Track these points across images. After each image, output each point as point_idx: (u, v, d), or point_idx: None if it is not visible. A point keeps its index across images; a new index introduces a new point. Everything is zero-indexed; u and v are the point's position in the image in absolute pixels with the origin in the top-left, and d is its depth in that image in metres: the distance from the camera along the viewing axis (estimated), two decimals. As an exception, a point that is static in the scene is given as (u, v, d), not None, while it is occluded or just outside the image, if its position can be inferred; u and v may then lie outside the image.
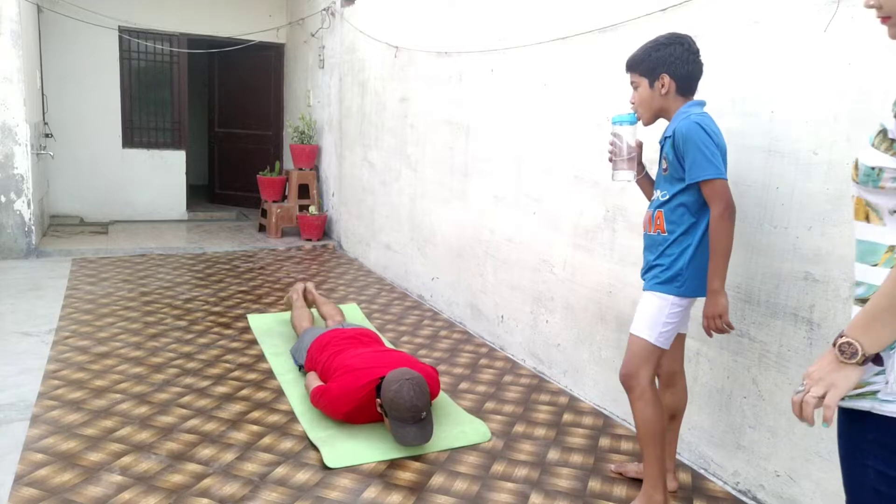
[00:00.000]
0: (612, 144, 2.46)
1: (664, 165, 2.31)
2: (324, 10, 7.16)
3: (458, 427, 3.03)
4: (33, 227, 6.03)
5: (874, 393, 1.27)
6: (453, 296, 4.76)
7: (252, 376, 3.56)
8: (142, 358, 3.72)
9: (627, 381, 2.34)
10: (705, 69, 2.36)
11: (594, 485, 2.63)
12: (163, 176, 8.33)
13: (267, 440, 2.86)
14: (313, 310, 4.38)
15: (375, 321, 4.62)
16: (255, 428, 2.97)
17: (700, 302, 2.34)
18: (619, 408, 3.22)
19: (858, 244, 1.34)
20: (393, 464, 2.72)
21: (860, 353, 1.23)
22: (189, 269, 5.86)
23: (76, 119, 7.71)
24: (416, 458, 2.78)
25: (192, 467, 2.61)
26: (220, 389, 3.36)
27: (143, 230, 7.59)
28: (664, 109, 2.34)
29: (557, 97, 3.59)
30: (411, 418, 2.72)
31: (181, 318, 4.45)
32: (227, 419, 3.04)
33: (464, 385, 3.58)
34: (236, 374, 3.58)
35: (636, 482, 2.64)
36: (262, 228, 7.86)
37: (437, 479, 2.62)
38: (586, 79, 3.36)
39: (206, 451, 2.73)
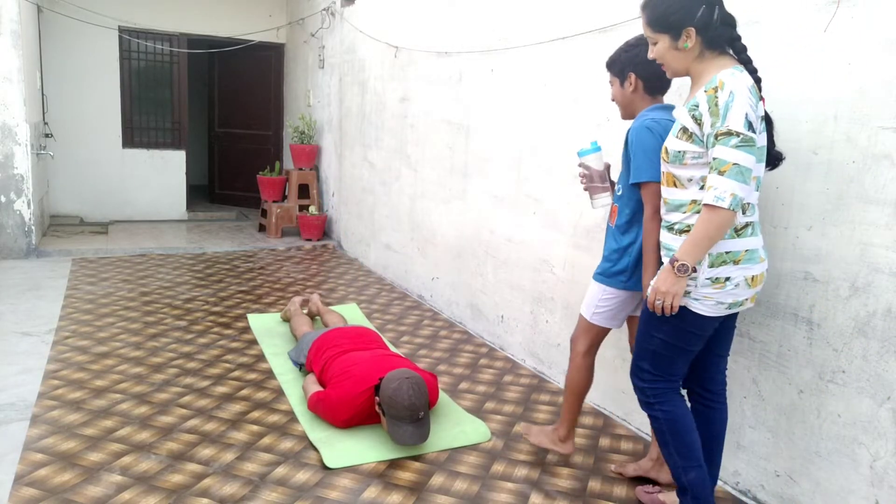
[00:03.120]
0: (582, 176, 2.63)
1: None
2: (324, 10, 7.16)
3: (458, 427, 3.03)
4: (33, 227, 6.03)
5: (688, 293, 2.03)
6: (453, 296, 4.76)
7: (252, 376, 3.56)
8: (142, 358, 3.72)
9: (570, 344, 2.73)
10: None
11: (594, 485, 2.63)
12: (163, 176, 8.32)
13: (267, 440, 2.86)
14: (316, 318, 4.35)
15: (375, 321, 4.62)
16: (255, 428, 2.97)
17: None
18: (620, 408, 3.22)
19: (671, 201, 2.09)
20: (393, 464, 2.72)
21: (689, 269, 1.96)
22: (189, 269, 5.86)
23: (76, 119, 7.71)
24: (416, 458, 2.78)
25: (192, 467, 2.61)
26: (220, 389, 3.36)
27: (143, 230, 7.59)
28: (633, 107, 2.51)
29: (557, 97, 3.59)
30: (409, 417, 2.72)
31: (181, 318, 4.45)
32: (227, 419, 3.04)
33: (464, 385, 3.58)
34: (236, 374, 3.58)
35: (636, 482, 2.65)
36: (262, 228, 7.86)
37: (437, 479, 2.62)
38: (586, 79, 3.36)
39: (206, 451, 2.73)
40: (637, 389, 2.26)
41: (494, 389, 3.54)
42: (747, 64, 2.04)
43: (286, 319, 4.36)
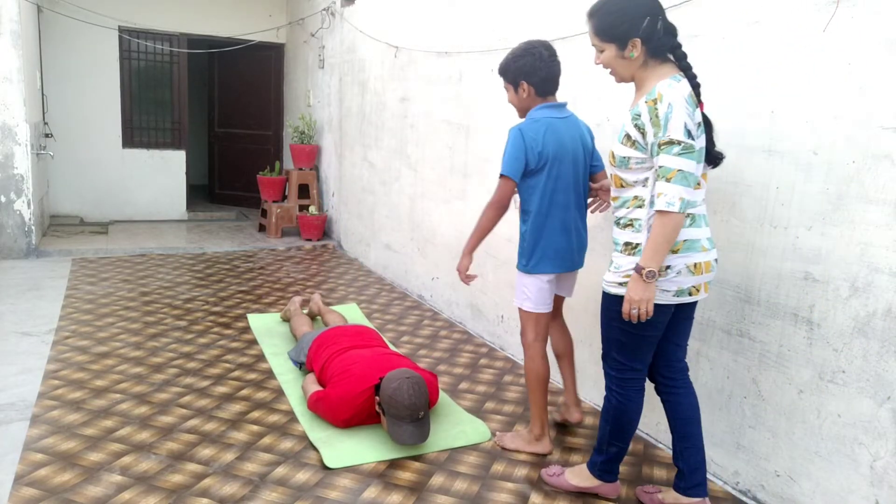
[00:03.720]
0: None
1: None
2: (324, 10, 7.16)
3: (458, 427, 3.04)
4: (33, 227, 6.03)
5: None
6: (453, 296, 4.76)
7: (252, 376, 3.56)
8: (142, 358, 3.72)
9: (521, 340, 2.92)
10: (706, 69, 2.42)
11: (594, 485, 2.63)
12: (163, 176, 8.32)
13: (267, 440, 2.86)
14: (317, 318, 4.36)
15: (375, 321, 4.62)
16: (255, 428, 2.97)
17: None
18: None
19: (620, 198, 2.24)
20: (393, 464, 2.72)
21: (656, 274, 2.08)
22: (189, 269, 5.86)
23: (76, 119, 7.71)
24: (416, 458, 2.78)
25: (192, 467, 2.61)
26: (220, 389, 3.36)
27: (143, 230, 7.59)
28: (527, 109, 2.79)
29: (557, 97, 3.58)
30: (409, 417, 2.72)
31: (181, 318, 4.45)
32: (227, 419, 3.04)
33: (464, 385, 3.58)
34: (236, 374, 3.58)
35: (636, 482, 2.65)
36: (262, 228, 7.86)
37: (437, 479, 2.62)
38: (586, 79, 3.36)
39: (206, 451, 2.73)
40: (606, 375, 2.40)
41: (494, 389, 3.54)
42: (687, 71, 2.17)
43: (286, 319, 4.36)
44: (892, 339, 2.08)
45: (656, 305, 2.18)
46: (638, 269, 2.09)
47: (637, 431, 3.09)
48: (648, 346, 2.31)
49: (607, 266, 2.32)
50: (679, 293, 2.19)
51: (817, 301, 2.29)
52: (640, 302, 2.10)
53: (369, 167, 6.22)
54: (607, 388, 2.40)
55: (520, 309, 2.84)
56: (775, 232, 2.43)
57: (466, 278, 2.91)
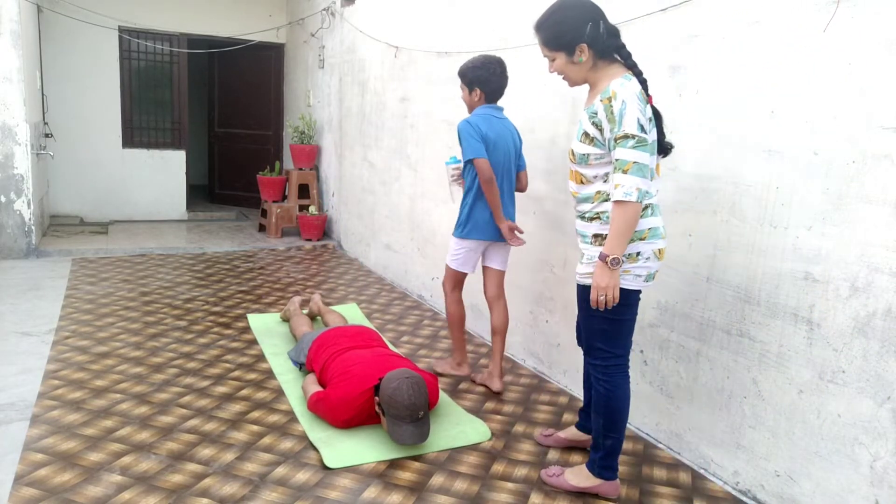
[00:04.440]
0: (452, 176, 3.47)
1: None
2: (324, 10, 7.16)
3: (458, 427, 3.04)
4: (33, 227, 6.03)
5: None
6: (453, 296, 4.75)
7: (252, 376, 3.56)
8: (142, 358, 3.72)
9: (442, 289, 3.63)
10: (705, 69, 2.46)
11: (594, 485, 2.63)
12: (163, 176, 8.32)
13: (267, 440, 2.86)
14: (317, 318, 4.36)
15: (375, 321, 4.62)
16: (255, 428, 2.97)
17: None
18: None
19: (581, 195, 2.37)
20: (393, 464, 2.72)
21: (619, 261, 2.21)
22: (189, 269, 5.86)
23: (76, 119, 7.71)
24: (416, 458, 2.78)
25: (192, 467, 2.61)
26: (220, 389, 3.36)
27: (143, 230, 7.60)
28: (474, 107, 3.41)
29: (557, 97, 3.58)
30: (409, 417, 2.72)
31: (181, 318, 4.45)
32: (227, 419, 3.04)
33: (464, 385, 3.57)
34: (236, 374, 3.58)
35: (636, 482, 2.65)
36: (262, 228, 7.86)
37: (437, 479, 2.62)
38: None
39: (206, 451, 2.73)
40: (592, 367, 2.47)
41: (494, 389, 3.54)
42: (633, 68, 2.32)
43: (285, 319, 4.36)
44: (892, 339, 2.08)
45: (631, 291, 2.33)
46: (602, 257, 2.21)
47: (637, 431, 3.09)
48: (628, 331, 2.45)
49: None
50: (648, 278, 2.35)
51: (817, 301, 2.29)
52: (606, 288, 2.22)
53: (369, 167, 6.22)
54: (595, 380, 2.47)
55: (447, 265, 3.51)
56: (775, 232, 2.43)
57: (517, 238, 3.35)
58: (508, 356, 4.05)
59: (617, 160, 2.18)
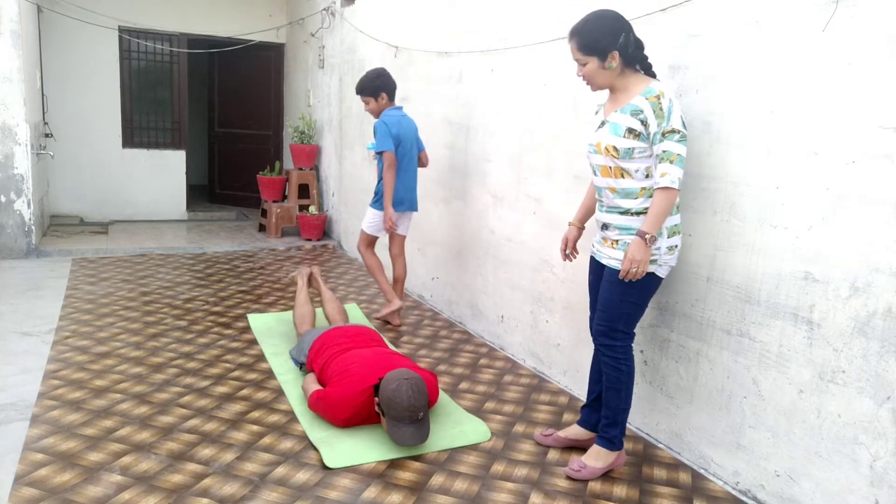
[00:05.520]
0: (375, 159, 4.50)
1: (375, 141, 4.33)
2: (324, 10, 7.16)
3: (458, 427, 3.03)
4: (33, 227, 6.03)
5: (654, 261, 2.52)
6: (453, 296, 4.76)
7: (252, 376, 3.56)
8: (142, 358, 3.72)
9: (358, 250, 4.60)
10: (706, 69, 2.50)
11: (594, 485, 2.63)
12: (163, 176, 8.32)
13: (267, 440, 2.86)
14: (318, 309, 4.37)
15: (375, 321, 4.62)
16: (255, 428, 2.97)
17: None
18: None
19: (621, 190, 2.54)
20: (393, 464, 2.72)
21: (655, 239, 2.43)
22: (189, 269, 5.86)
23: (76, 119, 7.71)
24: (416, 458, 2.78)
25: (192, 467, 2.61)
26: (220, 389, 3.36)
27: (143, 230, 7.60)
28: (381, 111, 4.35)
29: (557, 97, 3.59)
30: (408, 418, 2.72)
31: (181, 318, 4.45)
32: (227, 419, 3.04)
33: (464, 385, 3.58)
34: (236, 374, 3.58)
35: (636, 482, 2.65)
36: (262, 228, 7.86)
37: (437, 479, 2.62)
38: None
39: (206, 451, 2.73)
40: (609, 349, 2.62)
41: (494, 389, 3.54)
42: (654, 77, 2.57)
43: (291, 284, 4.71)
44: (892, 339, 2.08)
45: (657, 276, 2.57)
46: (641, 234, 2.42)
47: (637, 431, 3.10)
48: (642, 313, 2.69)
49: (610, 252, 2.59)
50: (669, 269, 2.63)
51: (817, 301, 2.29)
52: (640, 262, 2.42)
53: (369, 167, 6.21)
54: (614, 360, 2.62)
55: (362, 230, 4.52)
56: (775, 232, 2.43)
57: (393, 224, 4.30)
58: (509, 356, 4.05)
59: (664, 151, 2.40)
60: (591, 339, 3.38)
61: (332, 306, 4.18)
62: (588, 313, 2.92)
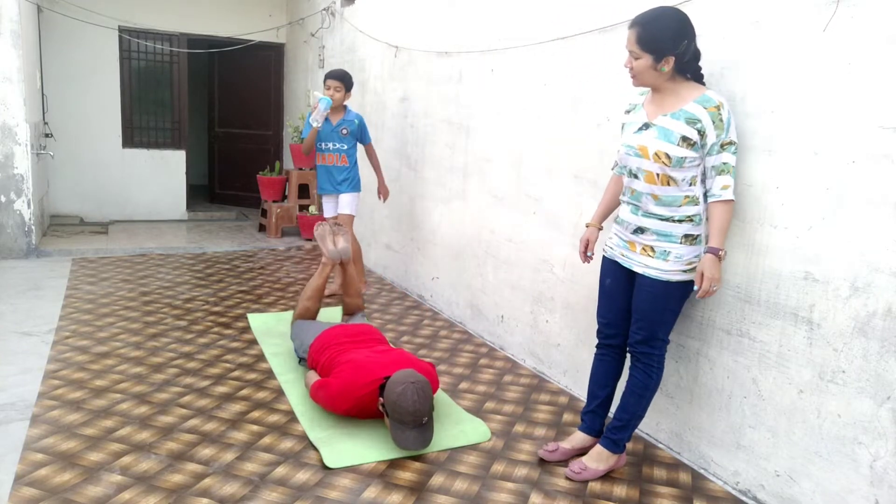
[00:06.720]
0: (315, 108, 4.78)
1: (345, 133, 4.96)
2: (324, 9, 7.16)
3: (458, 427, 3.04)
4: (33, 227, 6.03)
5: (693, 269, 2.48)
6: (453, 296, 4.76)
7: (252, 376, 3.56)
8: (142, 358, 3.72)
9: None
10: (705, 69, 2.46)
11: (594, 485, 2.63)
12: (163, 176, 8.32)
13: (267, 440, 2.86)
14: (323, 309, 4.37)
15: (375, 321, 4.62)
16: (255, 428, 2.97)
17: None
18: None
19: (664, 198, 2.48)
20: (393, 464, 2.72)
21: (725, 254, 2.45)
22: (189, 269, 5.86)
23: (76, 119, 7.71)
24: (416, 458, 2.78)
25: (192, 467, 2.61)
26: (220, 389, 3.36)
27: (143, 230, 7.59)
28: (342, 103, 4.96)
29: (557, 97, 3.59)
30: (412, 422, 2.72)
31: (181, 318, 4.45)
32: (227, 419, 3.04)
33: (464, 385, 3.58)
34: (236, 374, 3.58)
35: (636, 482, 2.65)
36: (262, 228, 7.86)
37: (437, 479, 2.62)
38: (586, 79, 3.36)
39: (206, 451, 2.73)
40: (647, 356, 2.59)
41: (494, 389, 3.54)
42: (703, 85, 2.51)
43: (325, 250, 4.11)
44: (892, 339, 2.08)
45: (693, 282, 2.48)
46: (714, 252, 2.38)
47: (637, 431, 3.10)
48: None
49: (649, 260, 2.53)
50: None
51: (817, 301, 2.29)
52: (717, 279, 2.39)
53: (369, 167, 6.21)
54: (647, 367, 2.60)
55: (347, 215, 5.03)
56: (775, 232, 2.43)
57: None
58: (509, 356, 4.05)
59: (724, 163, 2.39)
60: (591, 339, 3.38)
61: (352, 289, 4.12)
62: (592, 314, 2.91)
